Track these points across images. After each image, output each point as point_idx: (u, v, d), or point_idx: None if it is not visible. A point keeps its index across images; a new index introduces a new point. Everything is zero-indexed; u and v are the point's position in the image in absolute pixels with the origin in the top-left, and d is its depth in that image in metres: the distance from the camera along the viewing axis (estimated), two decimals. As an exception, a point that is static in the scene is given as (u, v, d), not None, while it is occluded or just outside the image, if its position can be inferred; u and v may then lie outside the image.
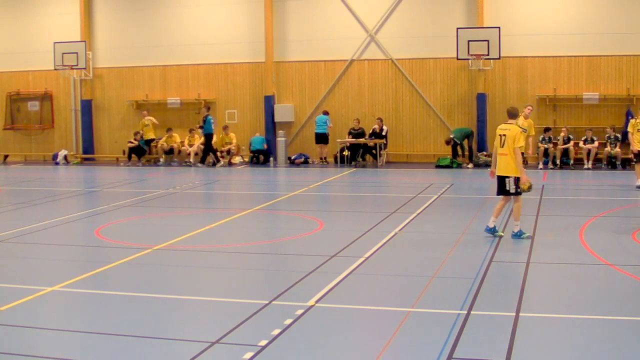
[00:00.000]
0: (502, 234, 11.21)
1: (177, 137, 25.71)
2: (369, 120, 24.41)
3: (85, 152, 26.99)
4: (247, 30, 25.52)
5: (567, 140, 22.23)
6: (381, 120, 23.87)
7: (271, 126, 25.38)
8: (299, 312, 7.41)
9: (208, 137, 24.24)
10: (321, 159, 24.49)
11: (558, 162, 22.07)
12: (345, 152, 24.27)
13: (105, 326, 7.21)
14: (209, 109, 24.94)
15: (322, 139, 24.30)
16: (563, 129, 22.36)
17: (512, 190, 11.15)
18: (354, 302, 8.05)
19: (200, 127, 24.47)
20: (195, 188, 18.90)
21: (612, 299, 8.07)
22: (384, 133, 23.88)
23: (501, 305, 7.74)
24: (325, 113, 24.46)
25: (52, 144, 27.76)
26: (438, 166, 22.87)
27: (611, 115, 22.83)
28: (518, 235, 11.02)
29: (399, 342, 6.62)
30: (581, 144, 22.07)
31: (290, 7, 25.22)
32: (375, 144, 23.75)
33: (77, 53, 25.89)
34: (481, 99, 23.56)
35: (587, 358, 6.31)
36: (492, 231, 11.17)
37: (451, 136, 22.96)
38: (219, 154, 24.83)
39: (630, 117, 22.18)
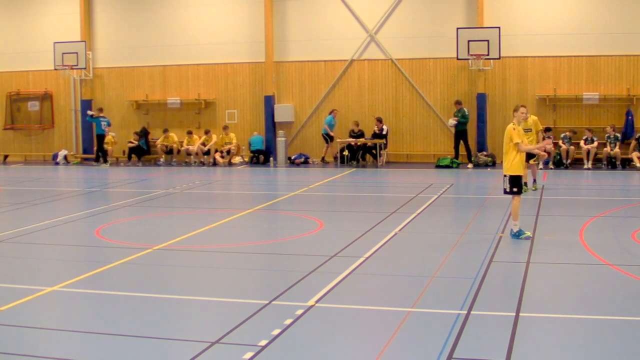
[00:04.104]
0: (529, 234, 11.14)
1: (174, 136, 25.72)
2: (369, 120, 24.40)
3: (85, 152, 26.98)
4: (247, 30, 25.53)
5: (568, 140, 22.21)
6: (380, 121, 23.86)
7: (271, 126, 25.38)
8: (299, 312, 7.41)
9: (100, 137, 25.58)
10: (322, 159, 24.51)
11: (566, 162, 21.98)
12: (345, 152, 24.28)
13: (105, 326, 7.21)
14: (101, 110, 25.96)
15: (326, 139, 24.33)
16: (569, 130, 22.29)
17: (508, 190, 11.16)
18: (354, 302, 8.05)
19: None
20: (195, 188, 18.90)
21: (612, 299, 8.07)
22: (384, 132, 23.88)
23: (501, 305, 7.74)
24: (330, 113, 24.43)
25: (52, 144, 27.77)
26: (438, 166, 22.87)
27: (611, 115, 22.82)
28: (517, 235, 11.00)
29: (399, 342, 6.62)
30: (581, 143, 22.07)
31: (290, 7, 25.23)
32: (375, 144, 23.74)
33: (77, 53, 25.90)
34: (481, 99, 23.56)
35: (587, 358, 6.31)
36: (518, 235, 11.06)
37: (455, 119, 22.80)
38: (218, 154, 24.87)
39: (630, 117, 22.30)
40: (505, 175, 11.21)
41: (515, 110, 11.39)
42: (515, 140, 11.03)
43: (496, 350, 6.30)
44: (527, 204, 14.30)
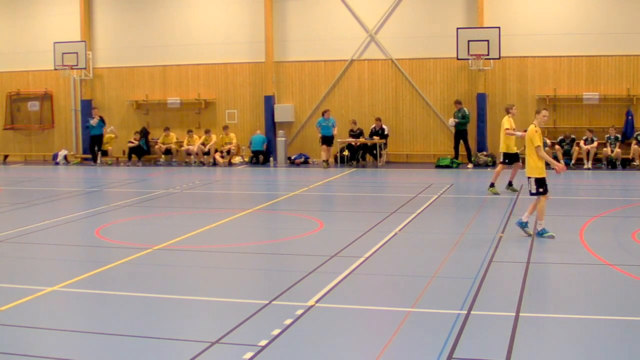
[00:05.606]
0: (531, 233, 11.23)
1: (173, 136, 25.72)
2: (368, 121, 24.40)
3: (85, 152, 26.98)
4: (247, 30, 25.53)
5: (568, 143, 22.22)
6: (380, 120, 23.85)
7: (271, 126, 25.38)
8: (299, 312, 7.41)
9: (99, 137, 25.68)
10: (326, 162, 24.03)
11: (565, 160, 21.97)
12: (346, 152, 24.28)
13: (105, 326, 7.21)
14: (95, 109, 26.08)
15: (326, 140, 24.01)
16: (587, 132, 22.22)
17: (533, 191, 11.19)
18: (354, 302, 8.05)
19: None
20: (195, 188, 18.91)
21: (612, 299, 8.07)
22: (386, 132, 23.84)
23: (501, 305, 7.73)
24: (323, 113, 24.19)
25: (52, 144, 27.77)
26: (438, 166, 22.86)
27: (611, 115, 22.82)
28: (540, 234, 11.08)
29: (399, 342, 6.62)
30: (582, 143, 22.07)
31: (290, 7, 25.22)
32: (375, 144, 23.72)
33: (77, 53, 25.89)
34: (481, 99, 23.56)
35: (587, 358, 6.31)
36: (523, 225, 11.25)
37: (456, 120, 22.76)
38: (217, 154, 24.87)
39: (630, 117, 22.31)
40: (529, 177, 11.26)
41: (538, 112, 11.50)
42: (537, 143, 11.07)
43: (496, 350, 6.30)
44: (527, 204, 14.28)
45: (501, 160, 16.49)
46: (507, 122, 16.27)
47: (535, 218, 11.40)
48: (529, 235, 11.14)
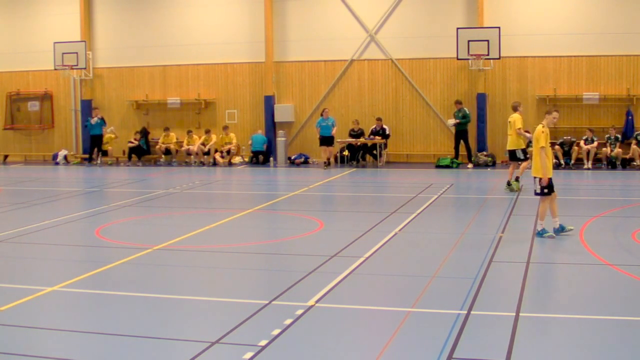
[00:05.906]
0: (572, 227, 11.24)
1: (173, 136, 25.73)
2: (369, 121, 24.40)
3: (85, 152, 26.97)
4: (247, 30, 25.53)
5: (570, 144, 22.23)
6: (380, 120, 23.85)
7: (271, 126, 25.38)
8: (299, 312, 7.41)
9: (98, 137, 25.56)
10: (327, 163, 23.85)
11: (564, 161, 21.99)
12: (346, 152, 24.27)
13: (105, 326, 7.21)
14: (97, 109, 26.06)
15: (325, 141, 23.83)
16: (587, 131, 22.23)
17: (538, 191, 11.15)
18: (354, 302, 8.05)
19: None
20: (195, 188, 18.90)
21: (612, 299, 8.07)
22: (387, 132, 23.82)
23: (501, 305, 7.73)
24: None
25: (52, 144, 27.77)
26: (438, 166, 22.86)
27: (611, 115, 22.81)
28: (540, 234, 11.05)
29: (399, 342, 6.62)
30: (582, 143, 22.06)
31: (290, 7, 25.22)
32: (375, 144, 23.71)
33: (77, 53, 25.89)
34: (481, 99, 23.55)
35: (587, 358, 6.31)
36: (562, 230, 11.14)
37: (456, 121, 22.72)
38: (217, 154, 24.88)
39: (630, 117, 22.31)
40: (535, 177, 11.22)
41: (549, 112, 11.49)
42: (542, 144, 11.04)
43: (496, 350, 6.30)
44: (528, 204, 14.31)
45: (522, 157, 16.46)
46: (519, 120, 16.29)
47: (541, 218, 11.26)
48: (571, 229, 11.14)
